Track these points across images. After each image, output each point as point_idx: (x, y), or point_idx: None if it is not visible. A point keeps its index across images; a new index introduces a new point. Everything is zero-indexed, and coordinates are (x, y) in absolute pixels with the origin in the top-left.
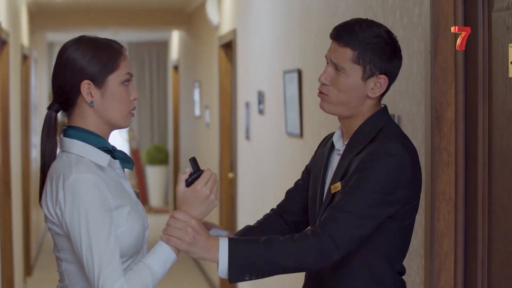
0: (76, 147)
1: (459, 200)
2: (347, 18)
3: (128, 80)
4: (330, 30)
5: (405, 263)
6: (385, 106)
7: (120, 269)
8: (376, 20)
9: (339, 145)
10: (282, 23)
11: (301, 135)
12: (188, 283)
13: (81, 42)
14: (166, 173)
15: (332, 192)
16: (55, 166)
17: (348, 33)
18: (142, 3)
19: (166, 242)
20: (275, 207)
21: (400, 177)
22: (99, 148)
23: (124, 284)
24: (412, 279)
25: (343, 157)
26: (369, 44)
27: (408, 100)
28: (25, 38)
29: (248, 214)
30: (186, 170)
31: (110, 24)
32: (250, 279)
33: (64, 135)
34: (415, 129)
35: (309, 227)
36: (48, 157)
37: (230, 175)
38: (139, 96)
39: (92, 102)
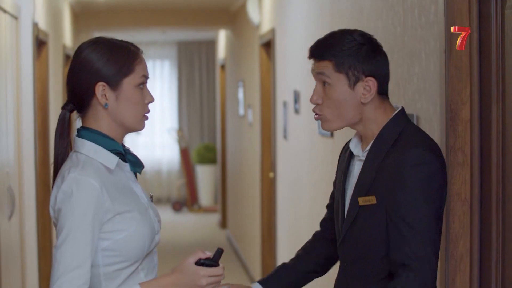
0: (87, 147)
1: (475, 201)
2: (372, 17)
3: (143, 83)
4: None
5: None
6: (402, 108)
7: (84, 280)
8: (396, 19)
9: (358, 151)
10: (315, 23)
11: (332, 134)
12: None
13: (98, 43)
14: (216, 172)
15: (361, 204)
16: (65, 165)
17: (321, 48)
18: (188, 2)
19: None
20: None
21: (434, 185)
22: (110, 150)
23: None
24: None
25: (365, 166)
26: (343, 50)
27: (426, 100)
28: (68, 39)
29: (287, 214)
30: (207, 252)
31: (156, 23)
32: None
33: (77, 135)
34: (432, 129)
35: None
36: (61, 157)
37: (271, 174)
38: (154, 99)
39: (106, 104)
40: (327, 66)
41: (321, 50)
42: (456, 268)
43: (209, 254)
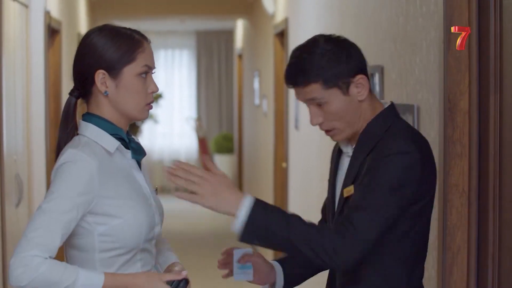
0: (90, 130)
1: (472, 193)
2: (377, 7)
3: (146, 73)
4: (365, 22)
5: None
6: (392, 104)
7: (48, 245)
8: (399, 8)
9: (347, 148)
10: (326, 13)
11: None
12: None
13: (104, 30)
14: (234, 162)
15: (345, 196)
16: (66, 146)
17: (301, 74)
18: None
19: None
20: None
21: (409, 175)
22: (112, 134)
23: (43, 261)
24: (428, 273)
25: (352, 160)
26: (323, 66)
27: (426, 91)
28: (83, 27)
29: (298, 204)
30: (184, 272)
31: (174, 12)
32: (258, 245)
33: (82, 120)
34: (432, 120)
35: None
36: (63, 142)
37: (284, 164)
38: (157, 88)
39: (106, 92)
40: (316, 89)
41: (302, 77)
42: (453, 260)
43: (185, 275)
